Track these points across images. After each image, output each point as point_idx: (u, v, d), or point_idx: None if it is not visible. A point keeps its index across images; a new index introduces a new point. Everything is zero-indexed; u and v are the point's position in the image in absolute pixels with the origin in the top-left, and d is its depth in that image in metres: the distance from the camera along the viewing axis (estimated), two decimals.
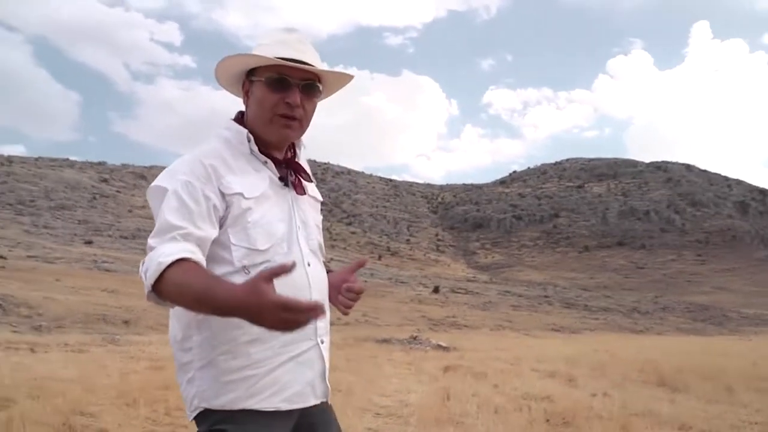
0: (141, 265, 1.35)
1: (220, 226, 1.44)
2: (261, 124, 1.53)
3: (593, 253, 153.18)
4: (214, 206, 1.41)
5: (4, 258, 47.69)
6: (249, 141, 1.52)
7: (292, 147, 1.64)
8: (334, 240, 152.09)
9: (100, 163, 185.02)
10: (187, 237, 1.35)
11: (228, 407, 1.41)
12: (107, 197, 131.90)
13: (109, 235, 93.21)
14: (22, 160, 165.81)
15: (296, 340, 1.46)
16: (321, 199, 1.73)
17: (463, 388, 6.64)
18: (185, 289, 1.26)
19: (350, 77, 1.63)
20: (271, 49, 1.50)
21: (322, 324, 1.54)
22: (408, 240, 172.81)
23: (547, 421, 4.73)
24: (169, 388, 5.94)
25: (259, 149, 1.54)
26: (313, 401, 1.52)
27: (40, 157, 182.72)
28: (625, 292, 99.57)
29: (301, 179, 1.62)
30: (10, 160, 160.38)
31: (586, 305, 68.36)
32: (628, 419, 4.75)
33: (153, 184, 1.46)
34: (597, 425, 4.39)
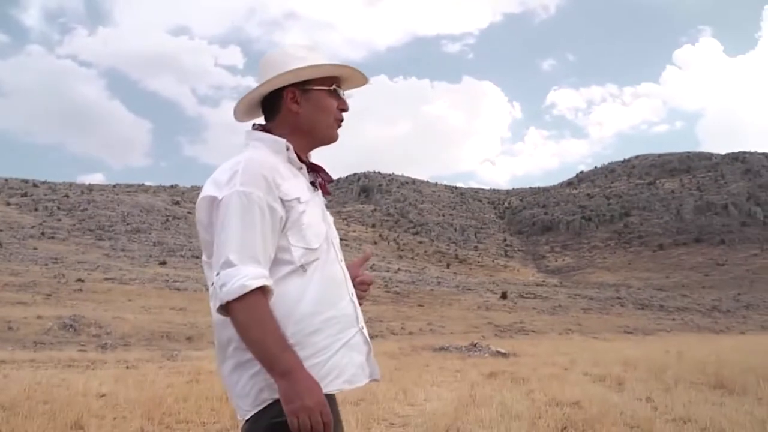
0: (216, 275, 1.46)
1: (283, 231, 1.56)
2: (323, 127, 1.71)
3: (668, 251, 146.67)
4: (281, 218, 1.54)
5: (83, 281, 50.04)
6: (287, 149, 1.64)
7: None
8: (402, 250, 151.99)
9: (172, 187, 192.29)
10: (261, 256, 1.48)
11: None
12: (179, 219, 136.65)
13: (182, 256, 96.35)
14: (102, 188, 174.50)
15: (345, 328, 1.61)
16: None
17: (493, 394, 6.31)
18: (255, 326, 1.42)
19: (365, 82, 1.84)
20: (329, 62, 1.73)
21: (359, 311, 1.70)
22: (476, 247, 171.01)
23: (564, 428, 4.36)
24: (187, 401, 5.91)
25: (299, 158, 1.68)
26: (365, 380, 1.65)
27: (117, 184, 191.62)
28: (705, 291, 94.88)
29: (325, 181, 1.75)
30: (90, 188, 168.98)
31: (662, 305, 65.56)
32: (657, 425, 4.33)
33: (204, 194, 1.57)
34: (617, 431, 4.01)
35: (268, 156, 1.61)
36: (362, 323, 1.69)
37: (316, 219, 1.63)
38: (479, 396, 6.04)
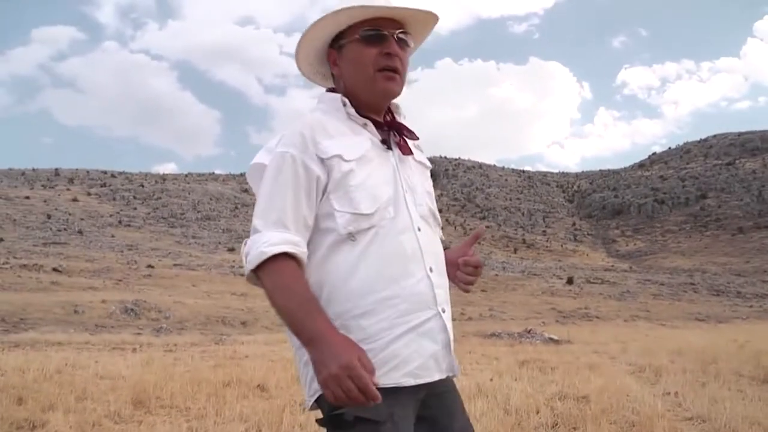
0: (243, 244, 1.37)
1: (323, 194, 1.39)
2: (363, 84, 1.47)
3: (749, 235, 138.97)
4: (318, 177, 1.37)
5: (153, 267, 52.08)
6: (345, 105, 1.47)
7: (390, 112, 1.56)
8: (468, 235, 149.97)
9: (241, 175, 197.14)
10: (291, 221, 1.34)
11: None
12: (248, 206, 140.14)
13: None
14: (174, 177, 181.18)
15: (413, 310, 1.37)
16: (430, 165, 1.64)
17: (510, 383, 5.93)
18: (280, 294, 1.29)
19: (435, 16, 1.55)
20: (345, 5, 1.46)
21: (442, 291, 1.43)
22: (544, 231, 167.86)
23: (554, 425, 3.97)
24: (190, 386, 5.80)
25: (360, 113, 1.48)
26: (437, 375, 1.40)
27: (189, 173, 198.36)
28: None
29: (406, 140, 1.53)
30: (164, 177, 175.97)
31: (739, 292, 62.33)
32: (662, 423, 3.87)
33: (252, 162, 1.46)
34: (609, 429, 3.59)
35: (321, 115, 1.47)
36: (443, 306, 1.43)
37: (374, 180, 1.40)
38: (491, 386, 5.69)
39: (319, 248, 1.37)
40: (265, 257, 1.29)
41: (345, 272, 1.35)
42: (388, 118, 1.55)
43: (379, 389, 1.27)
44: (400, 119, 1.57)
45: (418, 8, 1.50)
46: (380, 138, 1.48)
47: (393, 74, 1.47)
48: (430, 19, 1.55)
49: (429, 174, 1.62)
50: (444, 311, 1.42)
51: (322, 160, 1.38)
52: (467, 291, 1.55)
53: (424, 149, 1.66)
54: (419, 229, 1.43)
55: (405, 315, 1.35)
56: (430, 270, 1.41)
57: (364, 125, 1.47)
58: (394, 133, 1.52)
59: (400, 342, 1.34)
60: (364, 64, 1.46)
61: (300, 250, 1.33)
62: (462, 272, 1.53)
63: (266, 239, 1.31)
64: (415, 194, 1.48)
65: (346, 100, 1.48)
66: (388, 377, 1.32)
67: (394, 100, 1.56)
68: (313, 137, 1.39)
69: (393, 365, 1.33)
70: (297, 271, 1.31)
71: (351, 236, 1.36)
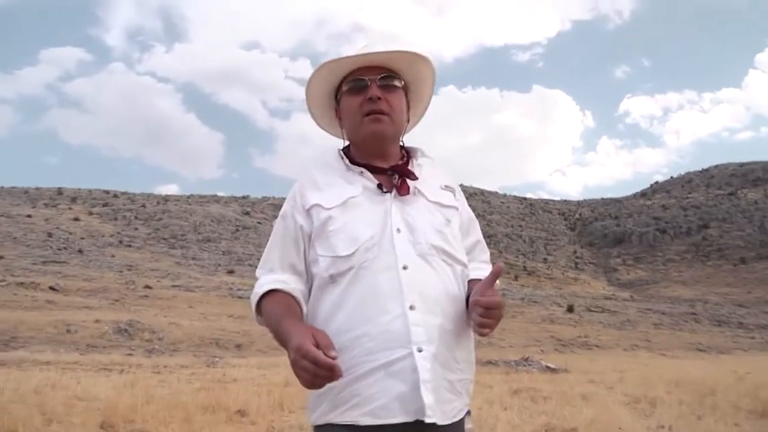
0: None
1: (309, 241, 1.50)
2: (355, 131, 1.58)
3: (751, 265, 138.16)
4: (301, 227, 1.50)
5: (150, 288, 51.74)
6: (342, 157, 1.59)
7: (407, 156, 1.64)
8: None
9: (243, 197, 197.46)
10: (278, 266, 1.49)
11: (318, 422, 1.41)
12: (249, 228, 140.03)
13: (250, 265, 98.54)
14: (176, 198, 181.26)
15: (381, 348, 1.35)
16: (453, 204, 1.61)
17: (496, 413, 5.74)
18: (267, 320, 1.42)
19: (424, 57, 1.60)
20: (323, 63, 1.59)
21: (421, 330, 1.36)
22: (545, 259, 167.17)
23: None
24: (165, 409, 5.63)
25: (357, 162, 1.57)
26: (402, 418, 1.33)
27: (191, 195, 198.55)
28: None
29: (407, 181, 1.55)
30: (166, 198, 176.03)
31: (741, 322, 61.78)
32: None
33: None
34: None
35: (314, 170, 1.59)
36: (421, 345, 1.35)
37: (355, 223, 1.46)
38: (478, 416, 5.50)
39: (312, 292, 1.47)
40: (257, 297, 1.45)
41: (327, 313, 1.41)
42: (401, 162, 1.60)
43: (343, 428, 1.33)
44: (416, 162, 1.61)
45: (384, 50, 1.57)
46: (376, 183, 1.52)
47: (378, 116, 1.54)
48: (412, 58, 1.59)
49: (452, 212, 1.58)
50: (421, 350, 1.35)
51: (307, 211, 1.50)
52: (481, 334, 1.39)
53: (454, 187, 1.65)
54: (405, 267, 1.41)
55: (372, 353, 1.35)
56: (411, 308, 1.37)
57: (360, 173, 1.54)
58: (395, 177, 1.55)
59: (365, 381, 1.34)
60: (353, 113, 1.57)
61: (286, 285, 1.44)
62: (475, 315, 1.39)
63: (259, 284, 1.47)
64: (415, 232, 1.47)
65: (342, 153, 1.60)
66: (346, 415, 1.34)
67: (415, 145, 1.68)
68: (301, 191, 1.54)
69: (353, 403, 1.34)
70: (279, 298, 1.42)
71: (332, 278, 1.43)
